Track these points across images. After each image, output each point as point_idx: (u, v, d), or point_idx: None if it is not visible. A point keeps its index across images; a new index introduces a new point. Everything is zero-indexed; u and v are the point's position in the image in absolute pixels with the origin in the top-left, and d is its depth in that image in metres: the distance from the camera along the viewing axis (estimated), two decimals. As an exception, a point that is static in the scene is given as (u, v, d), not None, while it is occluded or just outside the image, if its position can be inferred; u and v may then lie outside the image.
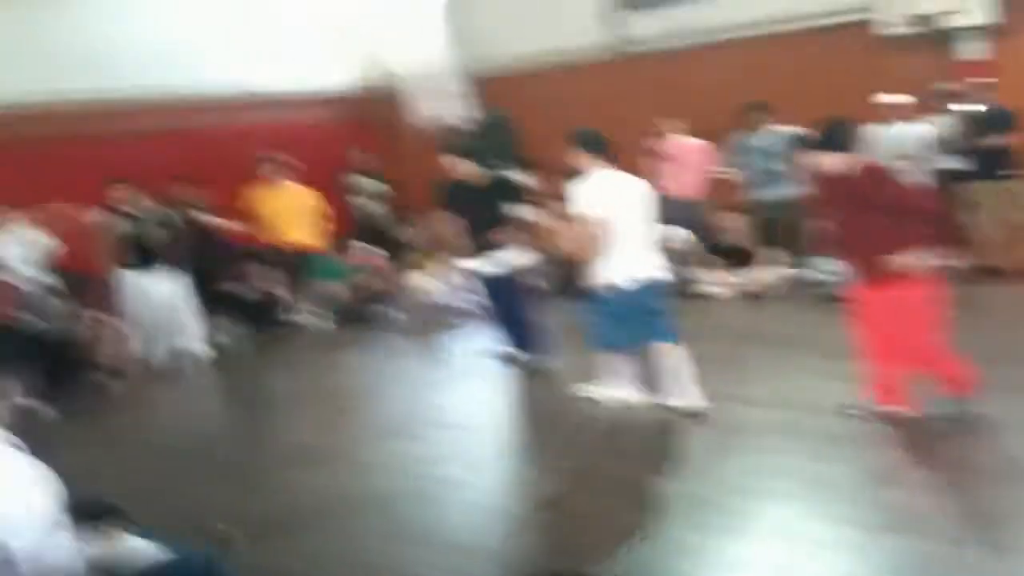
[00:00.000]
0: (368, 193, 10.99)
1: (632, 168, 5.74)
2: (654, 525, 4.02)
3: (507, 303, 6.67)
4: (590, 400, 5.75)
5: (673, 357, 5.37)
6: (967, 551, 3.51)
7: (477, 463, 5.19)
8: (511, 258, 6.52)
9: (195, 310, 8.52)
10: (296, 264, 9.40)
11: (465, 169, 6.59)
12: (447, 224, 6.78)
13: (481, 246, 6.51)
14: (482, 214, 6.48)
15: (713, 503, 4.16)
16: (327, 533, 4.37)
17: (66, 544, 2.54)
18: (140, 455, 5.96)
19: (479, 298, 7.17)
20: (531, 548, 3.99)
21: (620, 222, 5.18)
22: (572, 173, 5.45)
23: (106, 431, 6.72)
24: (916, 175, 7.27)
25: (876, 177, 4.67)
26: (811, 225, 8.35)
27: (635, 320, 5.28)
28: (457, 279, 8.37)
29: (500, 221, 6.46)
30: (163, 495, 4.90)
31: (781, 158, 8.41)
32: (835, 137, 4.68)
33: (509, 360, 6.85)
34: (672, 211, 9.40)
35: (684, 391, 5.37)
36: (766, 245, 8.29)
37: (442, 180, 6.68)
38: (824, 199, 4.95)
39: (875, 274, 4.59)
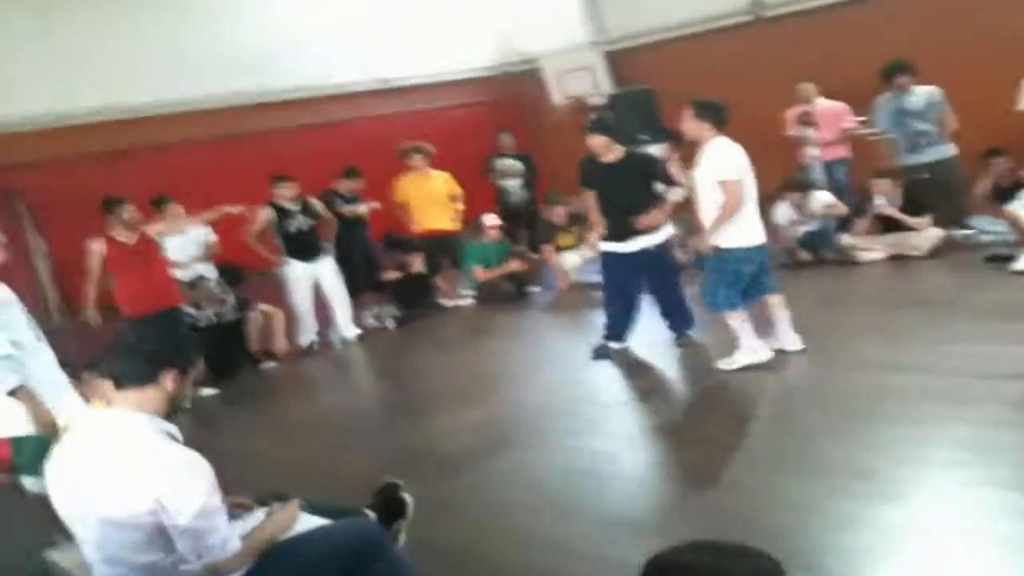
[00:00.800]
0: (511, 174, 11.06)
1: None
2: (813, 497, 3.89)
3: (654, 280, 6.61)
4: (732, 371, 5.74)
5: (782, 306, 5.93)
6: None
7: (628, 438, 5.19)
8: (652, 236, 6.45)
9: (346, 296, 8.84)
10: (441, 248, 9.61)
11: (602, 146, 6.51)
12: (588, 202, 6.75)
13: (621, 224, 6.43)
14: (621, 192, 6.42)
15: (873, 472, 4.00)
16: (480, 506, 4.46)
17: (223, 525, 2.68)
18: (299, 434, 6.28)
19: (602, 279, 6.98)
20: (687, 521, 3.93)
21: (743, 188, 5.57)
22: (698, 143, 5.70)
23: (266, 413, 7.08)
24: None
25: None
26: (969, 185, 7.99)
27: (749, 278, 5.76)
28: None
29: (639, 199, 6.39)
30: (321, 470, 5.15)
31: (929, 119, 8.06)
32: None
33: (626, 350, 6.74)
34: (818, 175, 9.20)
35: (789, 336, 5.91)
36: (920, 208, 7.93)
37: (584, 158, 6.66)
38: None
39: None
